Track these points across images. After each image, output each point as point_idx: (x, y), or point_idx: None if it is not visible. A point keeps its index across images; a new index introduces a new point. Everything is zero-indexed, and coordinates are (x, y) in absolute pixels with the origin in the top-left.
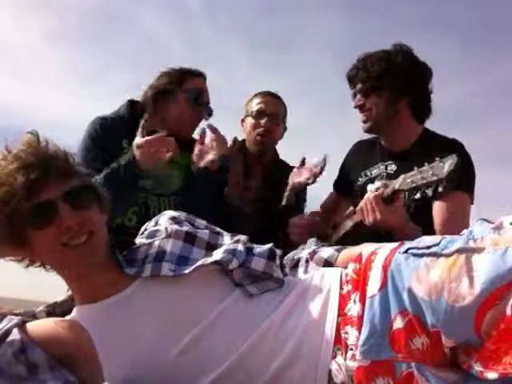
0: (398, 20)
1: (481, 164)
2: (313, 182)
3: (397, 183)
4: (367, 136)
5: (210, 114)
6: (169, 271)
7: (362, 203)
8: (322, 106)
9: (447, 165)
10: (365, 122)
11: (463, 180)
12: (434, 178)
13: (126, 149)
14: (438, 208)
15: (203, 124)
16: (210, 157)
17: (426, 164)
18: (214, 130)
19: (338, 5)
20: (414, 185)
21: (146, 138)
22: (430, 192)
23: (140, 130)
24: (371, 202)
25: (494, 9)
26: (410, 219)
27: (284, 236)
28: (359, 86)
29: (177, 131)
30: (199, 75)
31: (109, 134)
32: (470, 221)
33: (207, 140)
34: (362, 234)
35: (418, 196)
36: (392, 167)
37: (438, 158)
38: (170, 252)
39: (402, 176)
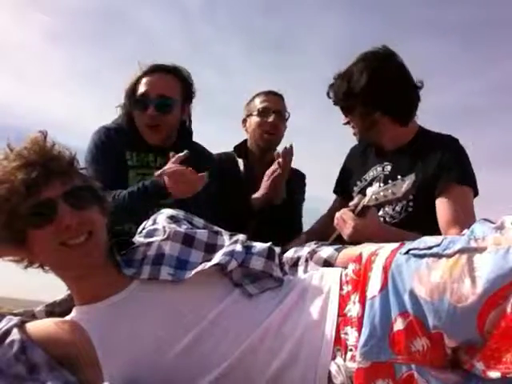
0: (399, 20)
1: (484, 163)
2: (282, 172)
3: (366, 199)
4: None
5: (166, 106)
6: (167, 275)
7: (335, 219)
8: (322, 107)
9: (405, 184)
10: (354, 134)
11: (460, 174)
12: (393, 196)
13: (129, 160)
14: (440, 203)
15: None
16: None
17: (398, 177)
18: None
19: (339, 5)
20: (377, 202)
21: (188, 175)
22: (389, 210)
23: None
24: (343, 218)
25: (496, 7)
26: (410, 220)
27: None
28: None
29: (150, 143)
30: (146, 74)
31: (113, 145)
32: (475, 213)
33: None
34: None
35: (381, 213)
36: (388, 168)
37: (399, 177)
38: (169, 255)
39: (371, 192)
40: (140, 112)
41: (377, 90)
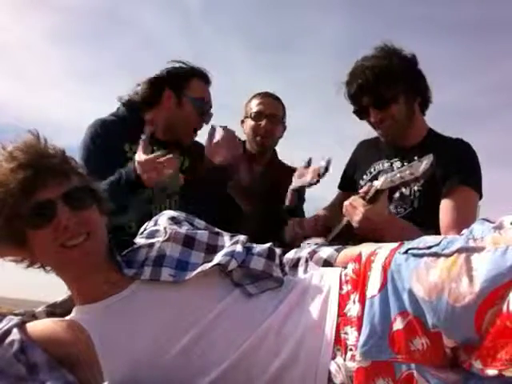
0: (399, 20)
1: (484, 163)
2: (316, 182)
3: (379, 183)
4: (371, 135)
5: (211, 118)
6: (168, 276)
7: (344, 206)
8: (322, 106)
9: (424, 164)
10: (384, 133)
11: (470, 176)
12: (411, 176)
13: (128, 152)
14: (444, 205)
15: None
16: (221, 156)
17: (405, 164)
18: (226, 129)
19: (338, 5)
20: (393, 184)
21: (149, 156)
22: (406, 191)
23: (142, 143)
24: (352, 205)
25: (496, 6)
26: (416, 214)
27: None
28: (370, 100)
29: (178, 137)
30: (206, 81)
31: (110, 137)
32: (476, 217)
33: (217, 138)
34: (351, 236)
35: (397, 195)
36: (397, 164)
37: (416, 158)
38: (169, 256)
39: (384, 176)
40: (197, 117)
41: (412, 73)
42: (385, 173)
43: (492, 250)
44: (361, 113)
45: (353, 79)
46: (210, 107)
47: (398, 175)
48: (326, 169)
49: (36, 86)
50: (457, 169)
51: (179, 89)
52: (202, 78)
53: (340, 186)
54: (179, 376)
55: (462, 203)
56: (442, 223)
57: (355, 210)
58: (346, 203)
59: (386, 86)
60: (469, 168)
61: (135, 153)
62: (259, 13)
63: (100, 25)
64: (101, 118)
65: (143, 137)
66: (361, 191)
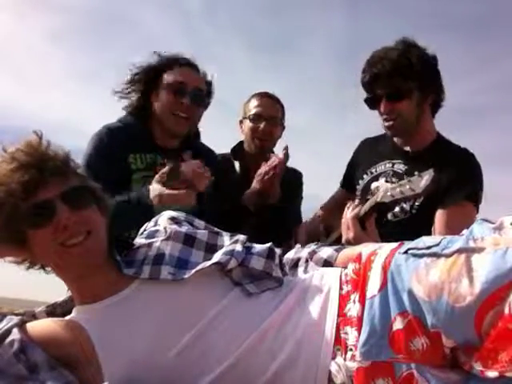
0: (399, 19)
1: (483, 163)
2: (278, 172)
3: (379, 196)
4: (375, 133)
5: (206, 106)
6: (168, 275)
7: (343, 219)
8: (322, 106)
9: (424, 180)
10: (391, 127)
11: (475, 192)
12: (411, 192)
13: (132, 164)
14: (440, 216)
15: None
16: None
17: (404, 177)
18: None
19: (338, 5)
20: (392, 198)
21: (175, 193)
22: (407, 206)
23: (162, 174)
24: (348, 221)
25: (497, 5)
26: (410, 223)
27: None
28: (384, 91)
29: (169, 131)
30: (184, 64)
31: (114, 149)
32: None
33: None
34: None
35: (397, 209)
36: (400, 166)
37: (416, 173)
38: (169, 255)
39: (383, 189)
40: (173, 99)
41: (430, 70)
42: (385, 175)
43: (492, 251)
44: (373, 101)
45: (369, 67)
46: (197, 89)
47: (398, 190)
48: (283, 158)
49: (36, 86)
50: (462, 182)
51: (156, 88)
52: (178, 63)
53: (342, 185)
54: (179, 376)
55: (463, 219)
56: (438, 232)
57: (348, 228)
58: (345, 216)
59: (403, 79)
60: (474, 183)
61: (142, 162)
62: (259, 13)
63: (100, 25)
64: (107, 126)
65: (166, 166)
66: (362, 210)
